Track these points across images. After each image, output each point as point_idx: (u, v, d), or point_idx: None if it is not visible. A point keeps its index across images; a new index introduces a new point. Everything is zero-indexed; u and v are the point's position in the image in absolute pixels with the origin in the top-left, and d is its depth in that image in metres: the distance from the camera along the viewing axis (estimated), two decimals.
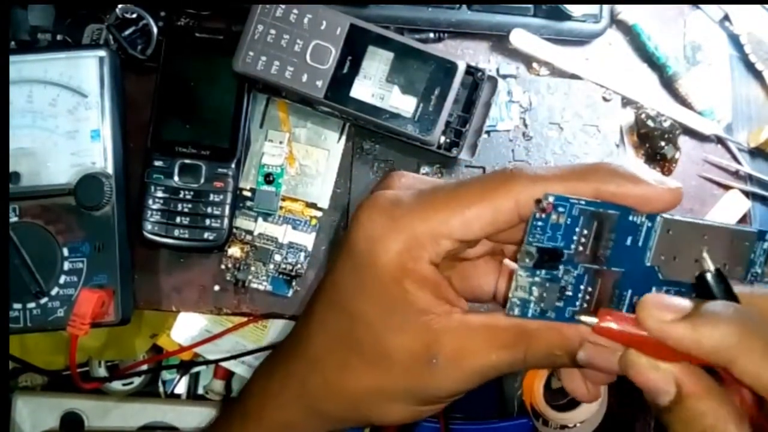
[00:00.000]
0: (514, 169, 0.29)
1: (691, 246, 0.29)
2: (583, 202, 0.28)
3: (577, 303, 0.28)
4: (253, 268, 0.48)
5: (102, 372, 0.65)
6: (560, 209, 0.27)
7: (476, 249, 0.32)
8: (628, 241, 0.28)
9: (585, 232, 0.28)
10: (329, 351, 0.32)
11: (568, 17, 0.47)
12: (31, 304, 0.44)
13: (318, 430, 0.35)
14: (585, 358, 0.28)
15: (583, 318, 0.27)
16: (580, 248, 0.28)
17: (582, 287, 0.28)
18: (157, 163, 0.46)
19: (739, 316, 0.25)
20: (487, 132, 0.48)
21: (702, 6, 0.50)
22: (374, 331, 0.30)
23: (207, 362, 0.64)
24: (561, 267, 0.28)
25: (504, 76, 0.48)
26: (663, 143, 0.48)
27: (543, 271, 0.28)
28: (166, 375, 0.67)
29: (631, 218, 0.28)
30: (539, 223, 0.27)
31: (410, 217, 0.29)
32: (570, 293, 0.28)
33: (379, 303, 0.30)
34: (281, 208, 0.48)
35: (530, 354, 0.29)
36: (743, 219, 0.49)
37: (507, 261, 0.33)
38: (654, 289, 0.29)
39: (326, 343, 0.33)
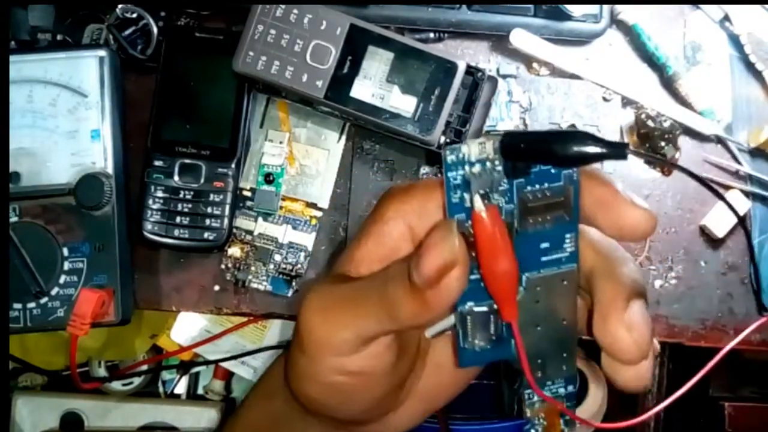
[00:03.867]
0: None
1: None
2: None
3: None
4: (253, 268, 0.48)
5: (102, 372, 0.65)
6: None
7: None
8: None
9: (548, 193, 0.25)
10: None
11: (568, 17, 0.47)
12: (31, 304, 0.44)
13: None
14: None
15: (476, 198, 0.25)
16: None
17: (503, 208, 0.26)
18: (157, 163, 0.46)
19: None
20: (488, 132, 0.48)
21: (702, 6, 0.50)
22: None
23: (207, 362, 0.64)
24: (505, 183, 0.25)
25: (504, 76, 0.48)
26: (663, 143, 0.48)
27: (500, 166, 0.25)
28: (166, 375, 0.67)
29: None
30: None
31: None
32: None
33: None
34: (281, 208, 0.48)
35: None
36: (743, 219, 0.49)
37: None
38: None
39: None
